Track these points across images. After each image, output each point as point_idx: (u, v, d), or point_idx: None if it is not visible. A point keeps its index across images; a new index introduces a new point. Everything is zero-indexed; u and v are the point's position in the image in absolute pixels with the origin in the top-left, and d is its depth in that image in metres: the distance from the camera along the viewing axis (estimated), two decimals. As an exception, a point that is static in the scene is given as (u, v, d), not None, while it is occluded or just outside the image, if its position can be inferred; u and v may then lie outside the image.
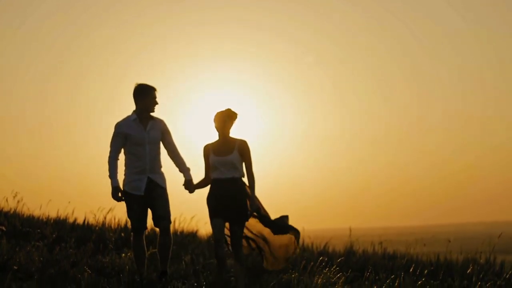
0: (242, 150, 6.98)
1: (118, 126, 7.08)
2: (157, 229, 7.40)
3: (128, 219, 7.28)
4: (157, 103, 7.13)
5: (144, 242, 7.19)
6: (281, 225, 7.15)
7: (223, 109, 7.06)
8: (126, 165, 7.12)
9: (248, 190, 7.02)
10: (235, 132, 7.08)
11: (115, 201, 7.06)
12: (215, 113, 7.10)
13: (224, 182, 6.95)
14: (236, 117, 7.07)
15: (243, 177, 7.05)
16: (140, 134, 7.03)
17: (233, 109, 7.07)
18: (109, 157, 7.07)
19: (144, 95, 7.08)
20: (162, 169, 7.23)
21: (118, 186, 7.04)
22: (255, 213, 7.06)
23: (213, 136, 7.10)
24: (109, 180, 7.04)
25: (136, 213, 7.08)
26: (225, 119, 7.02)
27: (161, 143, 7.20)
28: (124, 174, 7.13)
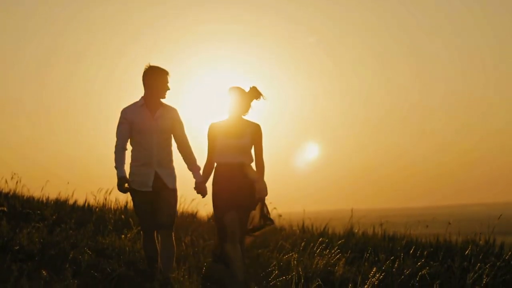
0: (255, 135, 6.32)
1: (123, 112, 6.40)
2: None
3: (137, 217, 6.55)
4: (168, 89, 6.42)
5: (156, 242, 6.50)
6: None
7: (248, 86, 6.33)
8: (132, 157, 6.45)
9: (253, 174, 6.31)
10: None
11: (114, 183, 6.62)
12: (232, 87, 6.33)
13: (232, 167, 6.29)
14: (259, 98, 6.37)
15: (252, 162, 6.39)
16: (147, 121, 6.35)
17: (258, 89, 6.36)
18: (116, 146, 6.36)
19: (154, 79, 6.37)
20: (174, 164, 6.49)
21: (124, 176, 6.27)
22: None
23: (211, 118, 6.51)
24: (110, 167, 6.40)
25: (145, 211, 6.41)
26: (247, 98, 6.33)
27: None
28: (130, 168, 6.44)
